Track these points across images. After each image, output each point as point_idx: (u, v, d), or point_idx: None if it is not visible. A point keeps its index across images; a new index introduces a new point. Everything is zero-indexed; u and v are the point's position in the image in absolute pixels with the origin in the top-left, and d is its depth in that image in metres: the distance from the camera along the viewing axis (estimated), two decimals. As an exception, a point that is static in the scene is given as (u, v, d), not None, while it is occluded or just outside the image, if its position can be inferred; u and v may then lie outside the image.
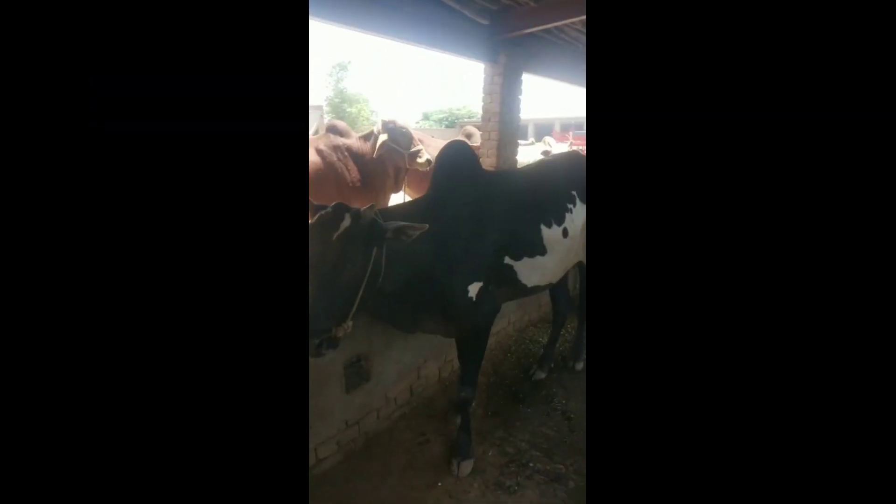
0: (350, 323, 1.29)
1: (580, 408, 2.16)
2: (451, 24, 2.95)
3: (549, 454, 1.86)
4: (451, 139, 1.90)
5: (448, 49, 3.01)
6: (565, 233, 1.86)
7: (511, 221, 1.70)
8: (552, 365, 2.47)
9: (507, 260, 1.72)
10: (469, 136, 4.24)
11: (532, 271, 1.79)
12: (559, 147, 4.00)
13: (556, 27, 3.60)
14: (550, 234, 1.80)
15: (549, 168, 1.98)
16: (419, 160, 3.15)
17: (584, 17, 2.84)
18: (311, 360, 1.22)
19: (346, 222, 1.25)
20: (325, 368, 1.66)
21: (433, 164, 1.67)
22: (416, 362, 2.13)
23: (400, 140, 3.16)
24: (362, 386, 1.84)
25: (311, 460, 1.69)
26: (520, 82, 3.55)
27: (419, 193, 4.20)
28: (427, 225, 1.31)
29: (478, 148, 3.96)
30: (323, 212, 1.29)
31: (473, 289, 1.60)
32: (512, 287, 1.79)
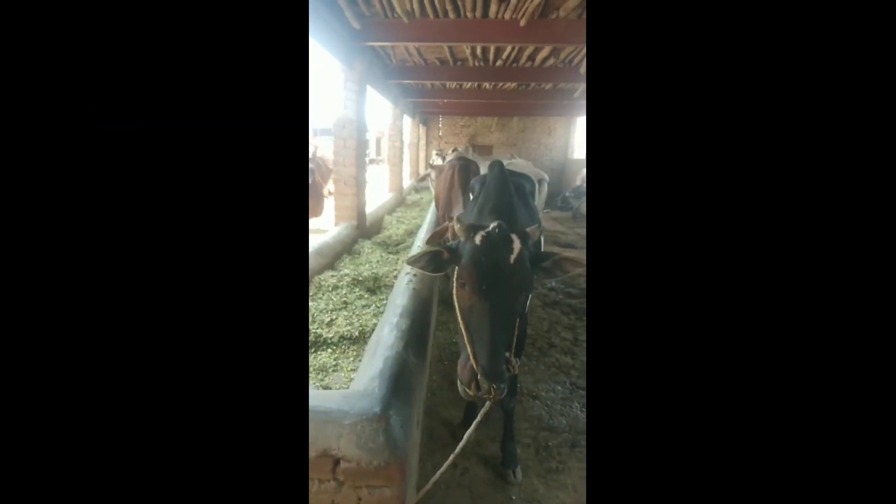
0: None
1: (535, 385, 2.49)
2: (328, 18, 2.62)
3: (550, 430, 2.10)
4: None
5: (320, 41, 2.65)
6: None
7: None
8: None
9: None
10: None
11: None
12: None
13: (391, 46, 3.74)
14: None
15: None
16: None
17: (431, 44, 3.16)
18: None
19: (518, 244, 1.13)
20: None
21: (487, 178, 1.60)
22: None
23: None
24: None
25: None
26: (366, 90, 3.48)
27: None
28: (584, 263, 1.31)
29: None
30: (487, 231, 1.13)
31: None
32: None
